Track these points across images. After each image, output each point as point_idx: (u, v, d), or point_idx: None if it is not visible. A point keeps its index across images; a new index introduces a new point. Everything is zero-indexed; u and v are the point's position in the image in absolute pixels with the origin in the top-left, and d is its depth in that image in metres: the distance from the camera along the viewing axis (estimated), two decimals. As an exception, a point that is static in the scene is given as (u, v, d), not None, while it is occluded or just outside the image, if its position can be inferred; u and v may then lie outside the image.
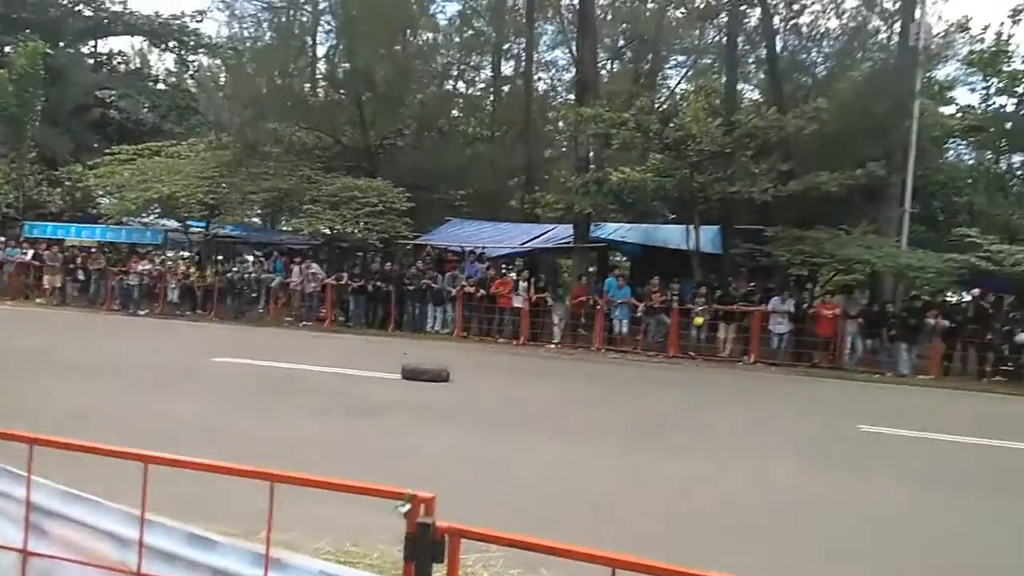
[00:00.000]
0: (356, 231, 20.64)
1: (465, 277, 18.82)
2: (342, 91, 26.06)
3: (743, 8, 20.35)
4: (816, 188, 16.57)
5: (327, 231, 21.79)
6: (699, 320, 16.53)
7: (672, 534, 4.89)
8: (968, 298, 18.68)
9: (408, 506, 1.73)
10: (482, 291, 18.27)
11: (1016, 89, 23.29)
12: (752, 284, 18.05)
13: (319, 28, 28.42)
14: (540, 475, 6.45)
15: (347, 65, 25.64)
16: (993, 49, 22.91)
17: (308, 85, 27.79)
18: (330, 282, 19.57)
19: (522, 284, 18.36)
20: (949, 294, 19.56)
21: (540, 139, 28.51)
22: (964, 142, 25.08)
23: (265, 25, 28.45)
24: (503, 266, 22.38)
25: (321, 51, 29.00)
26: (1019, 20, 23.18)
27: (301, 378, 10.83)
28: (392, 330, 18.48)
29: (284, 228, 27.38)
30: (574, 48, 24.45)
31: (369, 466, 6.00)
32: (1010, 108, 23.79)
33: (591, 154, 21.57)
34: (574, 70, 24.57)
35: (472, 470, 6.40)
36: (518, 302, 18.02)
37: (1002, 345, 15.58)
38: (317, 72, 28.68)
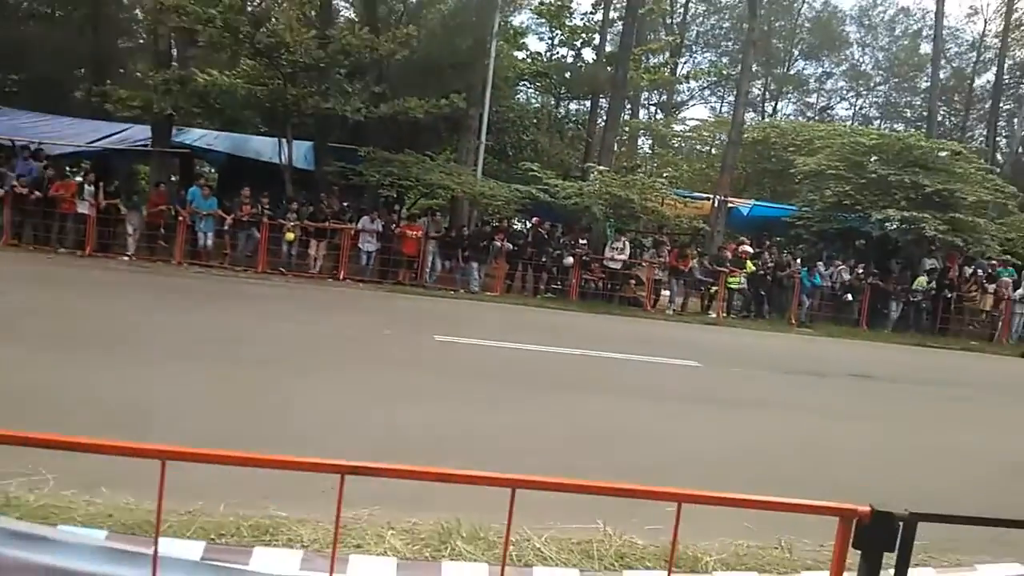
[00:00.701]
0: None
1: (16, 176, 16.02)
2: None
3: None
4: (405, 113, 17.27)
5: None
6: (290, 236, 16.37)
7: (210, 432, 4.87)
8: (529, 225, 21.33)
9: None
10: (37, 193, 15.78)
11: (575, 43, 26.72)
12: (345, 203, 18.33)
13: None
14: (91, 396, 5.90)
15: None
16: (559, 3, 25.82)
17: None
18: None
19: (88, 188, 16.23)
20: (515, 221, 22.12)
21: (113, 25, 25.03)
22: (532, 86, 28.11)
23: None
24: (67, 168, 19.53)
25: None
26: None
27: None
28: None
29: None
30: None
31: None
32: (569, 59, 27.25)
33: (174, 50, 19.65)
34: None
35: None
36: (84, 208, 15.94)
37: (554, 267, 18.14)
38: None
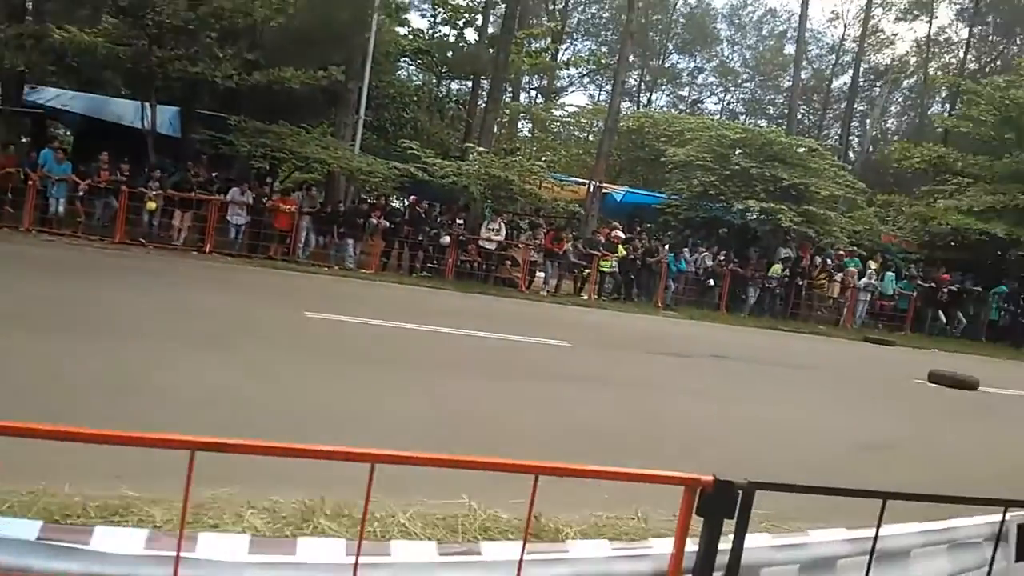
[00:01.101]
0: None
1: None
2: None
3: None
4: (280, 83, 16.68)
5: None
6: (152, 205, 15.48)
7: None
8: (406, 203, 21.12)
9: None
10: None
11: (458, 22, 26.54)
12: (215, 174, 17.54)
13: None
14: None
15: None
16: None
17: None
18: None
19: (-75, 147, 14.82)
20: (392, 199, 21.85)
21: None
22: (413, 63, 27.76)
23: None
24: None
25: None
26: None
27: None
28: None
29: None
30: None
31: None
32: (452, 38, 27.06)
33: (29, 3, 18.16)
34: None
35: None
36: (-82, 169, 14.53)
37: (430, 246, 18.05)
38: None
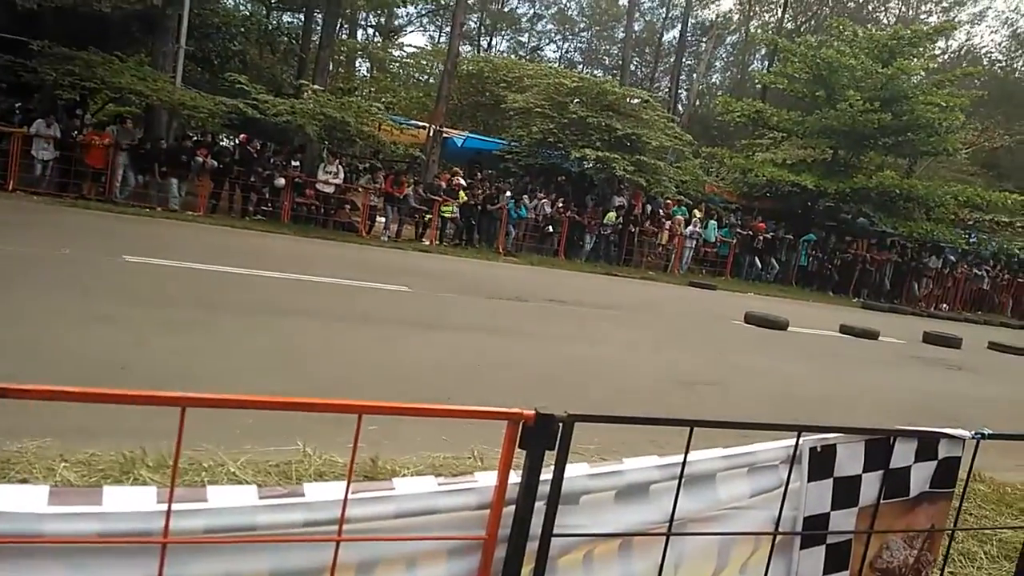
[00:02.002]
0: None
1: None
2: None
3: None
4: (88, 5, 15.17)
5: None
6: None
7: None
8: (236, 142, 20.01)
9: None
10: None
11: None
12: (17, 104, 15.81)
13: None
14: None
15: None
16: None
17: None
18: None
19: None
20: (222, 137, 20.63)
21: None
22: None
23: None
24: None
25: None
26: None
27: None
28: None
29: None
30: None
31: None
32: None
33: None
34: None
35: None
36: None
37: (264, 188, 17.26)
38: None
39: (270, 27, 25.74)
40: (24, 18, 15.67)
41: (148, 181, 16.21)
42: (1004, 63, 43.05)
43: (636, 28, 39.14)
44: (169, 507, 1.28)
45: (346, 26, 31.32)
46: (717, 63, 47.11)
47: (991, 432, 2.03)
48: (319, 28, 23.05)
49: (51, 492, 1.26)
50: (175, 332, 6.26)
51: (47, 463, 3.15)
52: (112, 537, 1.27)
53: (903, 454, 2.02)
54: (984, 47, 44.62)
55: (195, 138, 17.90)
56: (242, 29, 23.35)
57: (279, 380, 5.35)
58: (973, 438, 2.03)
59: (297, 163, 17.84)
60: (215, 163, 16.55)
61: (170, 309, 7.11)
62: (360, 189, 18.38)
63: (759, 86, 32.16)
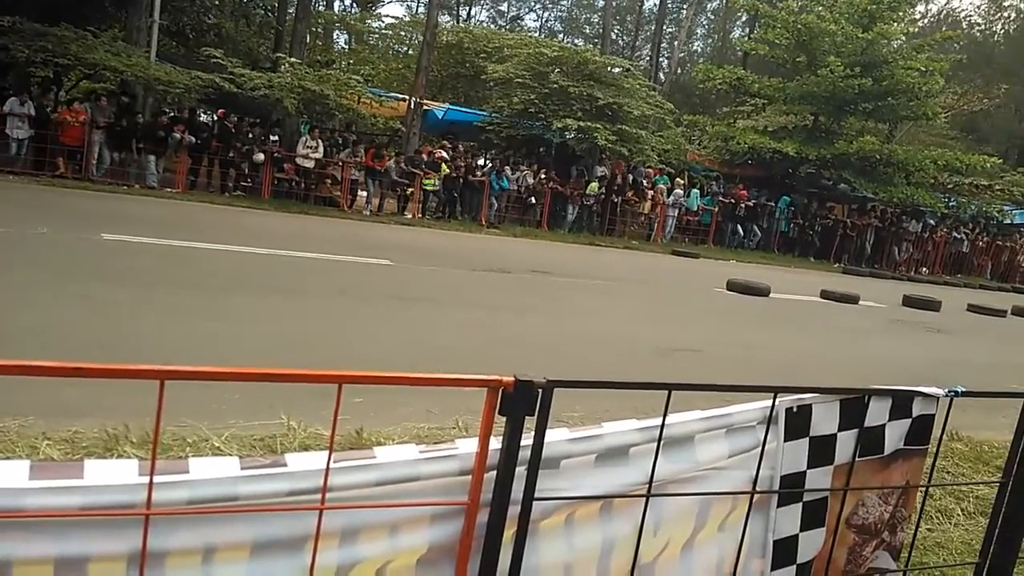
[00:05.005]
0: None
1: None
2: None
3: None
4: (59, -22, 14.86)
5: None
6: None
7: None
8: (214, 117, 19.74)
9: None
10: None
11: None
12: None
13: None
14: None
15: None
16: None
17: None
18: None
19: None
20: (200, 112, 20.33)
21: None
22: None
23: None
24: None
25: None
26: None
27: None
28: None
29: None
30: None
31: None
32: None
33: None
34: None
35: None
36: None
37: (243, 163, 17.07)
38: None
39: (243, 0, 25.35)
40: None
41: (125, 158, 15.99)
42: (983, 27, 43.14)
43: (616, -4, 38.80)
44: (151, 478, 1.28)
45: (323, -3, 30.84)
46: (698, 30, 46.90)
47: (964, 390, 2.07)
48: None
49: (32, 467, 1.27)
50: (155, 310, 6.23)
51: (30, 441, 3.15)
52: (94, 509, 1.28)
53: (878, 412, 2.06)
54: (963, 11, 44.67)
55: (172, 114, 17.65)
56: (216, 1, 22.94)
57: (258, 356, 5.34)
58: (947, 396, 2.07)
59: (276, 138, 17.65)
60: (193, 139, 16.34)
61: (149, 287, 7.07)
62: (341, 163, 18.23)
63: (740, 53, 32.01)
